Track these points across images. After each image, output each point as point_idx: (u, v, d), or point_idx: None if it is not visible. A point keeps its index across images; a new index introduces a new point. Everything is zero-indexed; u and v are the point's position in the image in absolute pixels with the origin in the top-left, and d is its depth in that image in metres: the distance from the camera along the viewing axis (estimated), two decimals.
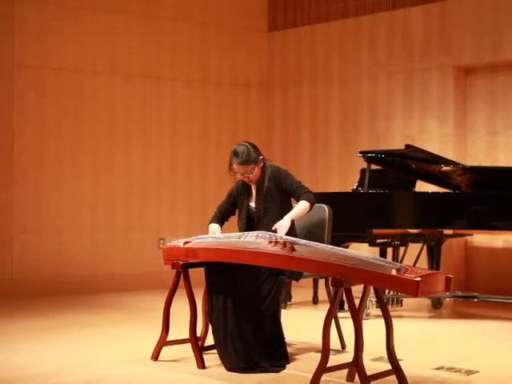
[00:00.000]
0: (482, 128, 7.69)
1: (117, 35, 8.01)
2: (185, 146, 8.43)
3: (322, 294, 5.83)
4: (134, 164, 8.10)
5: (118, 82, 8.00)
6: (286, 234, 4.17)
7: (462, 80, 7.75)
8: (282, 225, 4.25)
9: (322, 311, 4.77)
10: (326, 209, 4.89)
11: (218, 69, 8.65)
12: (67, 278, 7.54)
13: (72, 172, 7.73)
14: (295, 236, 4.26)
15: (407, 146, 6.41)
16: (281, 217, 4.35)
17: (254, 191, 4.58)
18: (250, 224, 4.54)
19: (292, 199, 4.54)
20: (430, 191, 6.63)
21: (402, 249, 6.61)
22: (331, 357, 3.79)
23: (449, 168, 6.37)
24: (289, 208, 4.48)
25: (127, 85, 8.05)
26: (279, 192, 4.49)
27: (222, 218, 4.69)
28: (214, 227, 4.60)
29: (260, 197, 4.51)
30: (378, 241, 6.47)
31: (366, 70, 8.25)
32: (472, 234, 7.15)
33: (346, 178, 8.00)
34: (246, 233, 4.25)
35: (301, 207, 4.38)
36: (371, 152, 6.55)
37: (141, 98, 8.15)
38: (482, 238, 7.54)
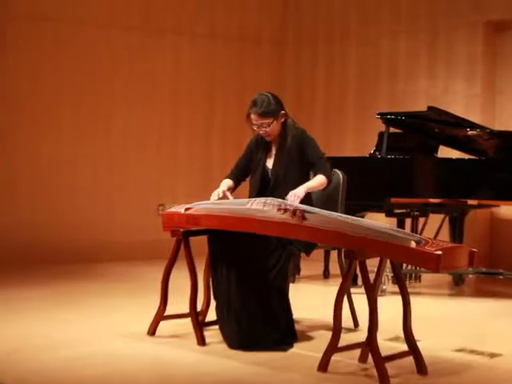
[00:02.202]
0: None
1: None
2: (188, 106, 8.34)
3: (334, 268, 5.80)
4: (133, 124, 8.02)
5: (117, 35, 7.88)
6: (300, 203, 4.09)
7: (491, 38, 7.64)
8: (296, 193, 4.17)
9: (333, 286, 4.75)
10: (340, 174, 4.86)
11: (226, 22, 8.52)
12: (61, 244, 7.49)
13: (68, 130, 7.65)
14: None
15: (430, 108, 6.35)
16: (298, 185, 4.30)
17: (273, 149, 4.52)
18: (264, 187, 4.48)
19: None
20: (454, 157, 6.59)
21: (421, 220, 6.60)
22: (343, 336, 3.80)
23: (475, 132, 6.31)
24: (307, 178, 4.43)
25: (127, 38, 7.94)
26: (300, 157, 4.42)
27: (238, 176, 4.61)
28: (224, 182, 4.53)
29: (280, 157, 4.45)
30: (396, 211, 6.45)
31: (386, 27, 8.14)
32: (499, 205, 7.08)
33: (362, 142, 7.93)
34: (253, 199, 4.22)
35: (318, 181, 4.34)
36: (390, 114, 6.49)
37: (142, 53, 8.05)
38: (509, 210, 7.48)
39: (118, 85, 7.92)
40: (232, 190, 4.56)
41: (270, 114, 4.40)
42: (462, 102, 7.63)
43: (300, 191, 4.20)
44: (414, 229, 6.49)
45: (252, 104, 4.42)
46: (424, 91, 7.89)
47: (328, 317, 4.05)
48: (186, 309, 4.37)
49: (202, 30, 8.38)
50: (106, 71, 7.84)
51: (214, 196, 4.41)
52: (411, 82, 8.00)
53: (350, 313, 4.70)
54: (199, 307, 4.49)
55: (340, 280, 3.92)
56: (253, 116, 4.41)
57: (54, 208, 7.56)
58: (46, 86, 7.54)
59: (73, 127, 7.67)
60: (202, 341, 4.23)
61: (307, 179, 4.41)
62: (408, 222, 6.55)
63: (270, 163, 4.52)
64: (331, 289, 4.64)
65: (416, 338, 3.88)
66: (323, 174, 4.35)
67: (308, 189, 4.27)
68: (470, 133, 6.35)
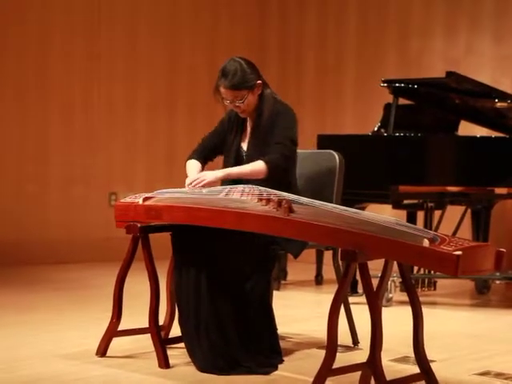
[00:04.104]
0: None
1: None
2: (146, 71, 8.34)
3: (329, 272, 5.85)
4: (77, 95, 8.02)
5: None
6: None
7: None
8: (203, 176, 4.26)
9: (327, 294, 4.80)
10: (337, 157, 4.89)
11: None
12: None
13: None
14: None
15: (449, 74, 6.39)
16: None
17: (249, 127, 4.58)
18: None
19: None
20: (479, 135, 6.64)
21: (437, 213, 6.64)
22: (339, 355, 3.79)
23: (505, 104, 6.36)
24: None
25: None
26: None
27: (205, 155, 4.66)
28: (192, 166, 4.57)
29: (255, 137, 4.50)
30: (406, 201, 6.50)
31: None
32: None
33: (363, 117, 7.98)
34: (229, 187, 4.27)
35: (251, 168, 4.35)
36: (399, 81, 6.53)
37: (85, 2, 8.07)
38: None
39: (54, 44, 7.91)
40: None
41: (244, 86, 4.42)
42: (490, 65, 7.67)
43: (209, 174, 4.26)
44: (427, 224, 6.53)
45: (221, 74, 4.43)
46: (441, 52, 7.93)
47: (321, 332, 4.10)
48: (144, 323, 4.39)
49: None
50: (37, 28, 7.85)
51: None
52: (426, 41, 8.03)
53: (347, 327, 4.72)
54: (161, 320, 4.51)
55: (336, 287, 3.91)
56: (222, 90, 4.43)
57: None
58: None
59: None
60: (164, 362, 4.25)
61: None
62: (420, 215, 6.62)
63: (245, 144, 4.57)
64: (325, 297, 4.70)
65: (429, 358, 3.92)
66: (264, 161, 4.34)
67: (230, 174, 4.30)
68: (499, 105, 6.40)
